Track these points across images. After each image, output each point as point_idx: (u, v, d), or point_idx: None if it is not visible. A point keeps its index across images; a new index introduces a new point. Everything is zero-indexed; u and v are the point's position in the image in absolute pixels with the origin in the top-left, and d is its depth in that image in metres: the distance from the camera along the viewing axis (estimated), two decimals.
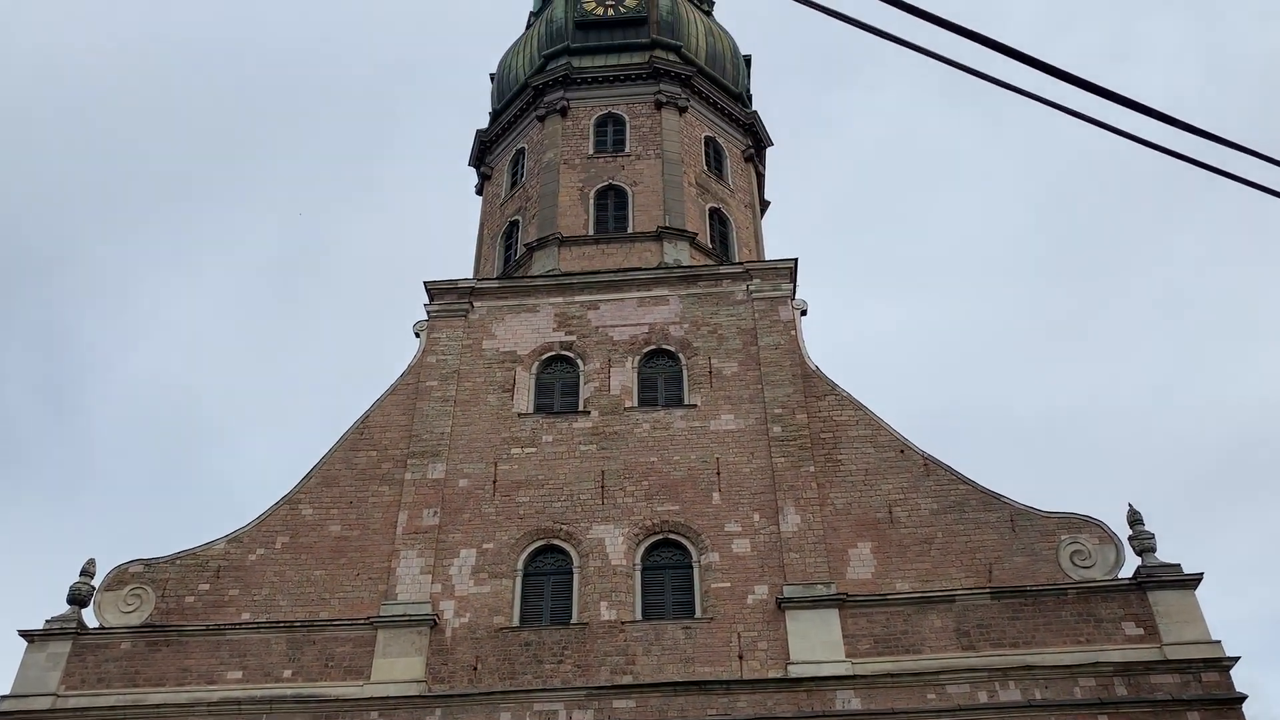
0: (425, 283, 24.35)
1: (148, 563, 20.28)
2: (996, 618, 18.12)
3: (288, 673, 18.53)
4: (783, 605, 18.59)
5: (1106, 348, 66.36)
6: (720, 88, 30.70)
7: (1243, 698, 16.70)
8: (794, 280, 23.91)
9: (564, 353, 23.12)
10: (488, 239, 28.86)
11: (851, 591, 18.71)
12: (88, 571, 20.03)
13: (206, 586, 19.91)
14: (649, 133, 28.45)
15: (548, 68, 30.25)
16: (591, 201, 27.03)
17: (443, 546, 20.09)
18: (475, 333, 23.62)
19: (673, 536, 20.00)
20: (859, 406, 21.48)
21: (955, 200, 75.89)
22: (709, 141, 29.48)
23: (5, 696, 18.44)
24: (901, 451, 20.67)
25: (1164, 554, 18.57)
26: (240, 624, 19.21)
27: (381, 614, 19.09)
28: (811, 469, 20.42)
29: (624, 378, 22.45)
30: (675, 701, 17.50)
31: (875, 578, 18.97)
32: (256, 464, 63.59)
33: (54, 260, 73.15)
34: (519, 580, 19.72)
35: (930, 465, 20.41)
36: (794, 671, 17.76)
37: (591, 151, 28.24)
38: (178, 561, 20.30)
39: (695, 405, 21.79)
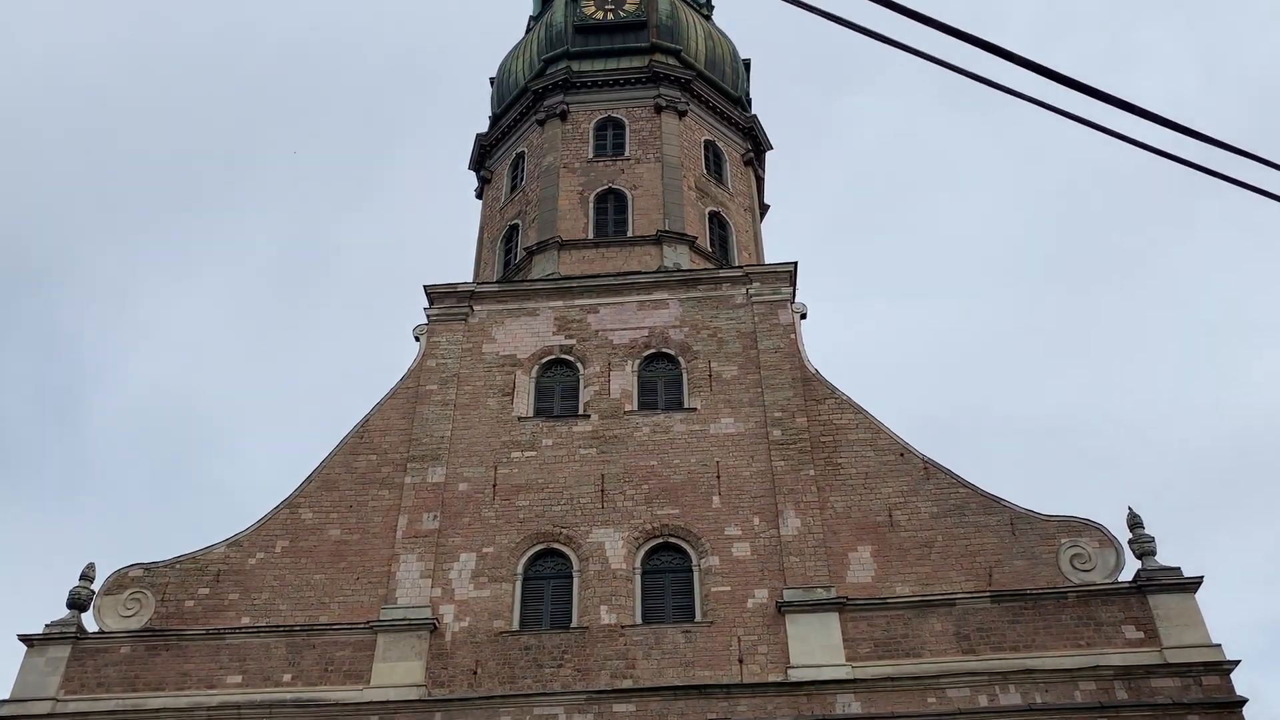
0: (425, 286, 24.37)
1: (147, 567, 20.27)
2: (997, 621, 18.11)
3: (287, 677, 18.52)
4: (783, 609, 18.58)
5: (1106, 351, 66.43)
6: (720, 92, 30.73)
7: (1243, 701, 16.69)
8: (794, 284, 23.92)
9: (564, 356, 23.13)
10: (487, 242, 28.87)
11: (852, 595, 18.70)
12: (87, 576, 20.02)
13: (206, 590, 19.90)
14: (649, 136, 28.48)
15: (547, 72, 30.29)
16: (591, 205, 27.05)
17: (442, 550, 20.08)
18: (475, 336, 23.63)
19: (673, 540, 19.99)
20: (859, 410, 21.48)
21: (955, 204, 75.99)
22: (709, 145, 29.50)
23: (4, 701, 18.41)
24: (901, 455, 20.67)
25: (1164, 557, 18.59)
26: (240, 628, 19.19)
27: (381, 618, 19.08)
28: (811, 472, 20.42)
29: (624, 381, 22.45)
30: (675, 705, 17.48)
31: (875, 581, 18.97)
32: (256, 468, 63.61)
33: (54, 264, 73.19)
34: (519, 584, 19.71)
35: (930, 469, 20.41)
36: (794, 675, 17.75)
37: (591, 155, 28.26)
38: (177, 566, 20.29)
39: (695, 409, 21.79)
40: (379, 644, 18.79)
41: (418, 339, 23.77)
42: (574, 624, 18.93)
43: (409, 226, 76.96)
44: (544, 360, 23.12)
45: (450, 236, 67.49)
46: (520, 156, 29.68)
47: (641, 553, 19.88)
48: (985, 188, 77.07)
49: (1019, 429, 62.16)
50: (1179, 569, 18.27)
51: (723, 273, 24.46)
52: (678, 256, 25.36)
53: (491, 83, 33.22)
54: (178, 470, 67.84)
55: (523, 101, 30.35)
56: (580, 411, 22.07)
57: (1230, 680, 16.96)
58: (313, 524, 20.72)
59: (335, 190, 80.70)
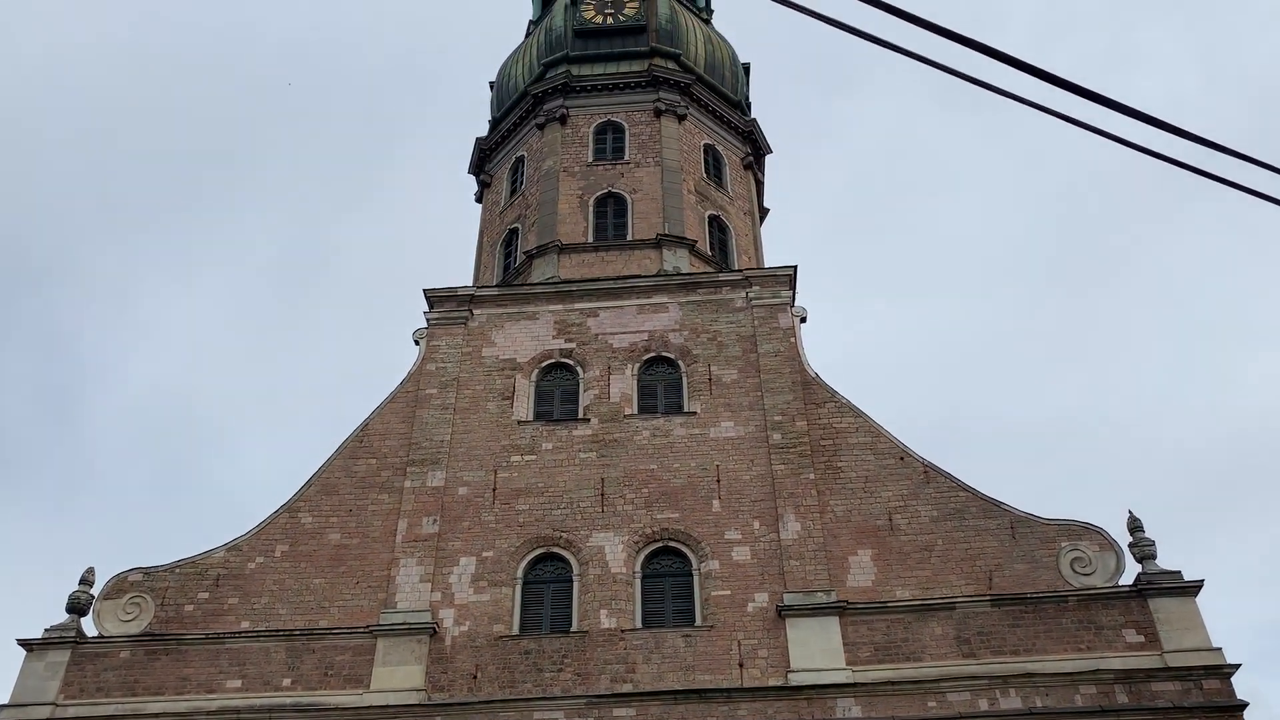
0: (425, 290, 24.38)
1: (147, 571, 20.26)
2: (997, 625, 18.09)
3: (287, 681, 18.49)
4: (783, 613, 18.56)
5: (1106, 354, 66.44)
6: (719, 95, 30.77)
7: (1244, 705, 16.67)
8: (793, 287, 23.93)
9: (564, 360, 23.13)
10: (487, 246, 28.88)
11: (852, 599, 18.68)
12: (87, 580, 20.00)
13: (206, 595, 19.88)
14: (648, 140, 28.50)
15: (547, 76, 30.32)
16: (591, 209, 27.06)
17: (442, 554, 20.07)
18: (475, 340, 23.63)
19: (673, 544, 19.98)
20: (859, 413, 21.48)
21: (954, 206, 76.05)
22: (708, 149, 29.52)
23: (4, 706, 18.39)
24: (901, 459, 20.66)
25: (1164, 561, 18.56)
26: (239, 632, 19.17)
27: (381, 622, 19.06)
28: (811, 476, 20.41)
29: (624, 385, 22.45)
30: (675, 710, 17.46)
31: (875, 585, 18.95)
32: (256, 472, 63.61)
33: (54, 265, 73.24)
34: (519, 588, 19.69)
35: (930, 472, 20.41)
36: (794, 679, 17.73)
37: (591, 159, 28.29)
38: (177, 570, 20.27)
39: (695, 412, 21.79)
40: (379, 648, 18.77)
41: (417, 342, 23.77)
42: (574, 628, 18.91)
43: (409, 230, 77.10)
44: (544, 364, 23.12)
45: (450, 240, 67.63)
46: (520, 160, 29.70)
47: (641, 556, 19.86)
48: (984, 189, 77.19)
49: (1019, 432, 62.20)
50: (1179, 572, 18.25)
51: (722, 276, 24.46)
52: (677, 260, 25.37)
53: (491, 86, 33.25)
54: (177, 473, 67.90)
55: (522, 105, 30.37)
56: (580, 415, 22.06)
57: (1231, 684, 16.94)
58: (312, 528, 20.72)
59: (335, 192, 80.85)
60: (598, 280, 24.51)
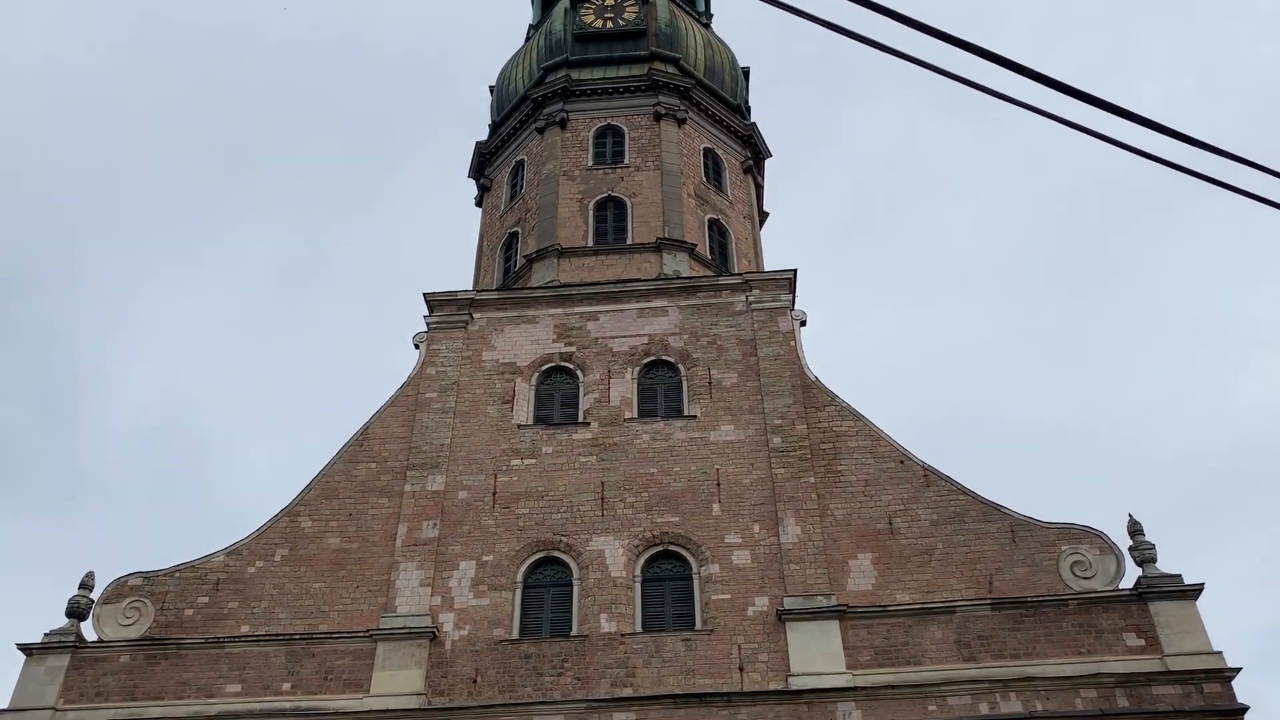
0: (425, 294, 24.39)
1: (147, 575, 20.24)
2: (997, 629, 18.08)
3: (287, 685, 18.47)
4: (783, 617, 18.55)
5: (1105, 356, 66.44)
6: (719, 100, 30.80)
7: (1245, 709, 16.66)
8: (793, 291, 23.94)
9: (563, 364, 23.13)
10: (487, 250, 28.89)
11: (852, 603, 18.67)
12: (86, 584, 19.98)
13: (205, 599, 19.86)
14: (648, 144, 28.53)
15: (547, 80, 30.35)
16: (591, 213, 27.08)
17: (442, 559, 20.05)
18: (475, 344, 23.64)
19: (673, 548, 19.97)
20: (858, 417, 21.48)
21: (953, 210, 76.09)
22: (708, 153, 29.55)
23: (4, 711, 18.38)
24: (901, 462, 20.66)
25: (1165, 564, 18.56)
26: (239, 637, 19.16)
27: (381, 626, 19.05)
28: (811, 480, 20.40)
29: (624, 389, 22.45)
30: (676, 714, 17.44)
31: (876, 589, 18.94)
32: (256, 476, 63.53)
33: (54, 271, 73.23)
34: (519, 592, 19.68)
35: (930, 476, 20.41)
36: (794, 683, 17.71)
37: (591, 163, 28.31)
38: (177, 574, 20.26)
39: (695, 416, 21.79)
40: (378, 652, 18.76)
41: (417, 346, 23.78)
42: (574, 632, 18.90)
43: (408, 233, 77.05)
44: (544, 368, 23.12)
45: (450, 244, 67.59)
46: (520, 164, 29.73)
47: (641, 560, 19.85)
48: (983, 193, 77.24)
49: (1018, 435, 62.20)
50: (1180, 576, 18.24)
51: (722, 280, 24.47)
52: (677, 264, 25.38)
53: (491, 91, 33.28)
54: (177, 477, 67.85)
55: (522, 109, 30.41)
56: (580, 419, 22.06)
57: (1232, 688, 16.93)
58: (312, 532, 20.71)
59: (335, 196, 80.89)
60: (597, 284, 24.53)
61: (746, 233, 28.82)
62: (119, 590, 20.03)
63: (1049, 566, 18.89)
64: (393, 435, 22.12)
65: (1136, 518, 19.28)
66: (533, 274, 25.79)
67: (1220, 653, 17.31)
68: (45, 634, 19.26)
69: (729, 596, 19.02)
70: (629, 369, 22.80)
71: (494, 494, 20.95)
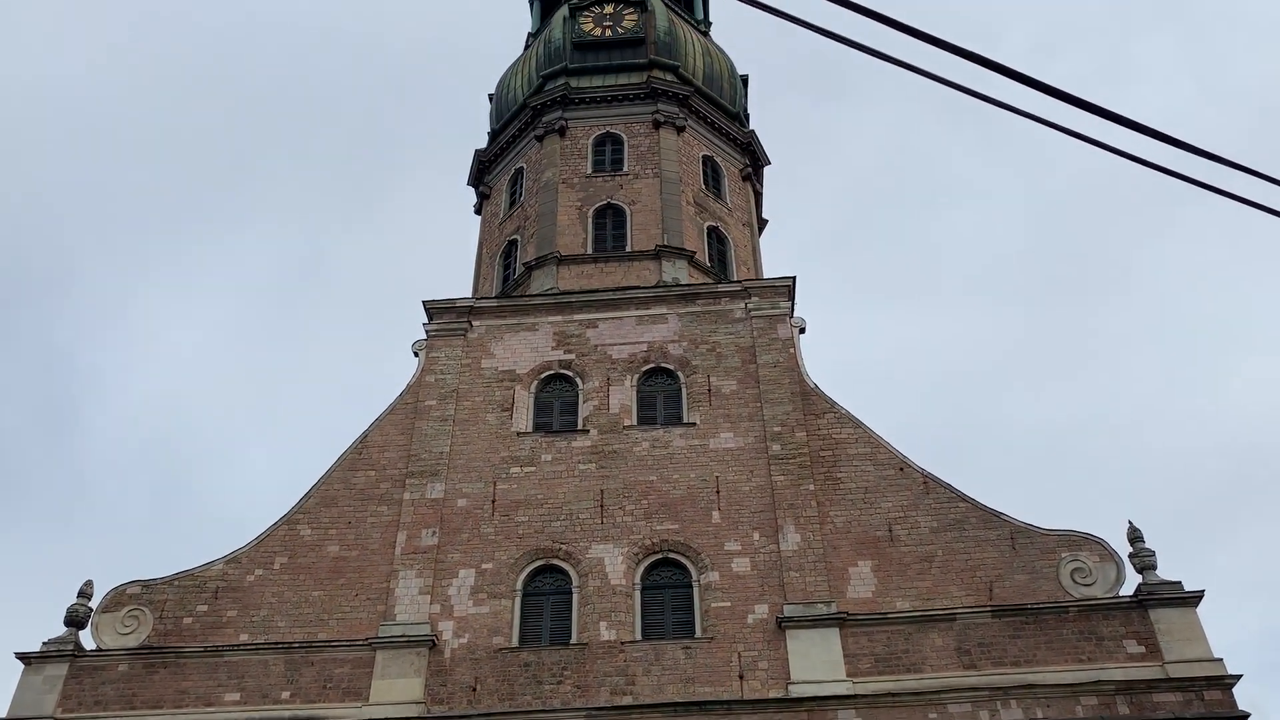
0: (424, 302, 24.39)
1: (145, 584, 20.20)
2: (997, 636, 18.05)
3: (286, 694, 18.43)
4: (783, 624, 18.52)
5: (1103, 363, 66.45)
6: (717, 107, 30.85)
7: (1246, 716, 16.63)
8: (792, 298, 23.94)
9: (563, 371, 23.12)
10: (486, 258, 28.91)
11: (852, 610, 18.64)
12: (85, 593, 19.94)
13: (204, 607, 19.82)
14: (647, 152, 28.57)
15: (546, 88, 30.40)
16: (590, 220, 27.10)
17: (441, 567, 20.02)
18: (474, 352, 23.63)
19: (672, 556, 19.94)
20: (858, 424, 21.47)
21: (952, 217, 76.18)
22: (707, 160, 29.58)
23: (2, 719, 18.33)
24: (901, 469, 20.64)
25: (1164, 571, 18.55)
26: (238, 645, 19.11)
27: (380, 635, 19.01)
28: (811, 487, 20.39)
29: (623, 396, 22.44)
30: None
31: (876, 596, 18.92)
32: (255, 484, 63.45)
33: (53, 281, 73.26)
34: (518, 600, 19.64)
35: (930, 483, 20.39)
36: (795, 691, 17.68)
37: (590, 171, 28.34)
38: (176, 582, 20.22)
39: (694, 424, 21.78)
40: (378, 661, 18.72)
41: (417, 354, 23.76)
42: (573, 640, 18.87)
43: (408, 241, 77.16)
44: (543, 375, 23.12)
45: (449, 252, 67.60)
46: (519, 172, 29.76)
47: (641, 568, 19.82)
48: (982, 199, 77.34)
49: (1018, 441, 62.19)
50: (1180, 583, 18.22)
51: (721, 287, 24.48)
52: (676, 271, 25.40)
53: (490, 99, 33.34)
54: (176, 486, 67.79)
55: (521, 117, 30.46)
56: (579, 426, 22.05)
57: (1232, 695, 16.91)
58: (311, 540, 20.67)
59: (334, 204, 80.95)
60: (597, 291, 24.53)
61: (745, 240, 28.84)
62: (117, 599, 19.99)
63: (1049, 574, 18.87)
64: (392, 443, 22.10)
65: (1136, 524, 19.30)
66: (532, 281, 25.80)
67: (1221, 660, 17.29)
68: (44, 643, 19.22)
69: (729, 604, 18.99)
70: (628, 376, 22.80)
71: (493, 502, 20.93)
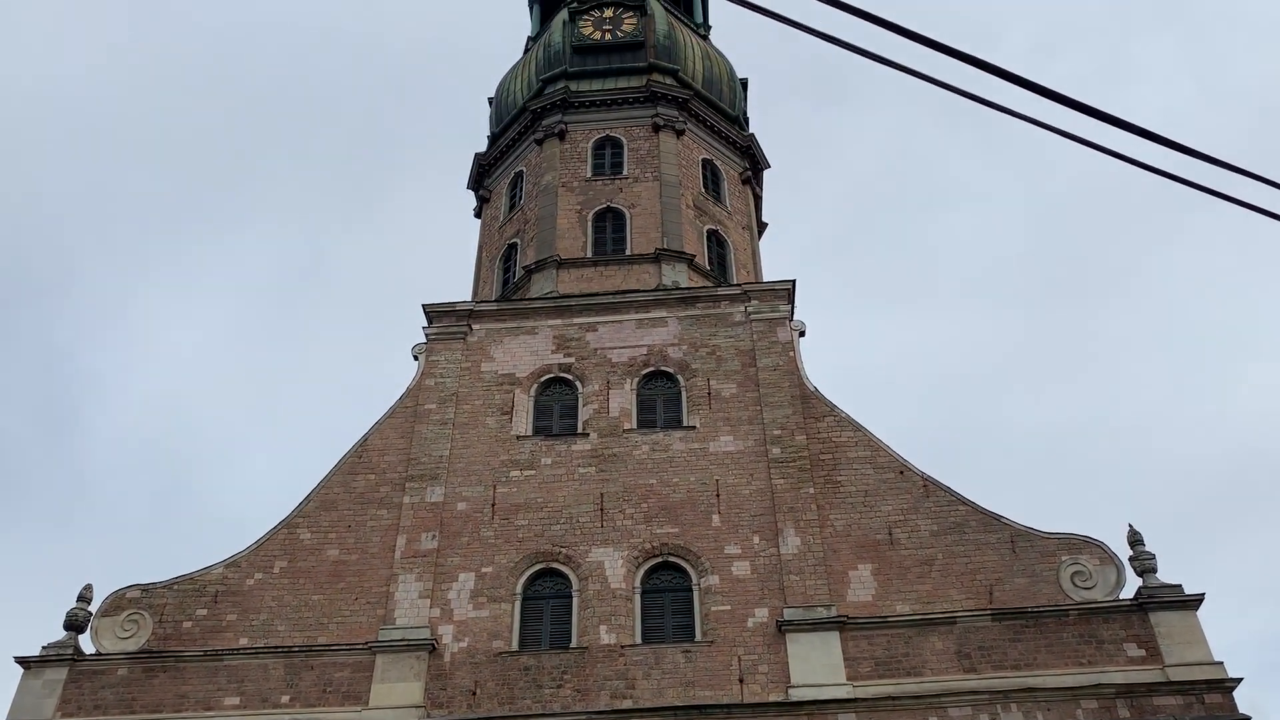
0: (423, 305, 24.39)
1: (145, 588, 20.18)
2: (998, 639, 18.04)
3: (285, 698, 18.41)
4: (783, 628, 18.50)
5: (1104, 366, 66.43)
6: (717, 111, 30.87)
7: (1246, 719, 16.61)
8: (792, 301, 23.95)
9: (562, 375, 23.12)
10: (486, 261, 28.91)
11: (852, 614, 18.63)
12: (85, 597, 19.92)
13: (204, 612, 19.80)
14: (647, 155, 28.58)
15: (545, 91, 30.42)
16: (589, 224, 27.11)
17: (441, 570, 20.00)
18: (474, 355, 23.62)
19: (672, 559, 19.93)
20: (858, 427, 21.46)
21: (952, 220, 76.22)
22: (706, 164, 29.60)
23: None
24: (901, 473, 20.63)
25: (1165, 574, 18.52)
26: (238, 649, 19.09)
27: (380, 639, 18.99)
28: (811, 490, 20.38)
29: (623, 399, 22.43)
30: None
31: (876, 600, 18.90)
32: (255, 488, 63.43)
33: (53, 282, 73.25)
34: (518, 604, 19.62)
35: (930, 486, 20.38)
36: (795, 695, 17.67)
37: (589, 174, 28.35)
38: (175, 586, 20.20)
39: (694, 427, 21.77)
40: (377, 665, 18.69)
41: (416, 358, 23.76)
42: (573, 644, 18.84)
43: (408, 245, 77.18)
44: (543, 379, 23.11)
45: (449, 255, 67.68)
46: (519, 176, 29.77)
47: (641, 572, 19.81)
48: (982, 201, 77.36)
49: (1018, 445, 62.17)
50: (1180, 586, 18.20)
51: (721, 291, 24.48)
52: (676, 275, 25.40)
53: (490, 102, 33.37)
54: (176, 489, 67.76)
55: (521, 121, 30.47)
56: (579, 430, 22.04)
57: (1233, 698, 16.88)
58: (311, 544, 20.66)
59: (334, 207, 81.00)
60: (596, 295, 24.53)
61: (745, 243, 28.85)
62: (117, 603, 19.97)
63: (1049, 577, 18.85)
64: (391, 447, 22.09)
65: (1136, 528, 19.27)
66: (531, 285, 25.80)
67: (1221, 663, 17.26)
68: (43, 647, 19.20)
69: (729, 608, 18.97)
70: (628, 380, 22.79)
71: (493, 505, 20.91)
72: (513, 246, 28.14)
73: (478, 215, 31.39)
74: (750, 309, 23.70)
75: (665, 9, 32.76)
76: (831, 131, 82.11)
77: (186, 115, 77.53)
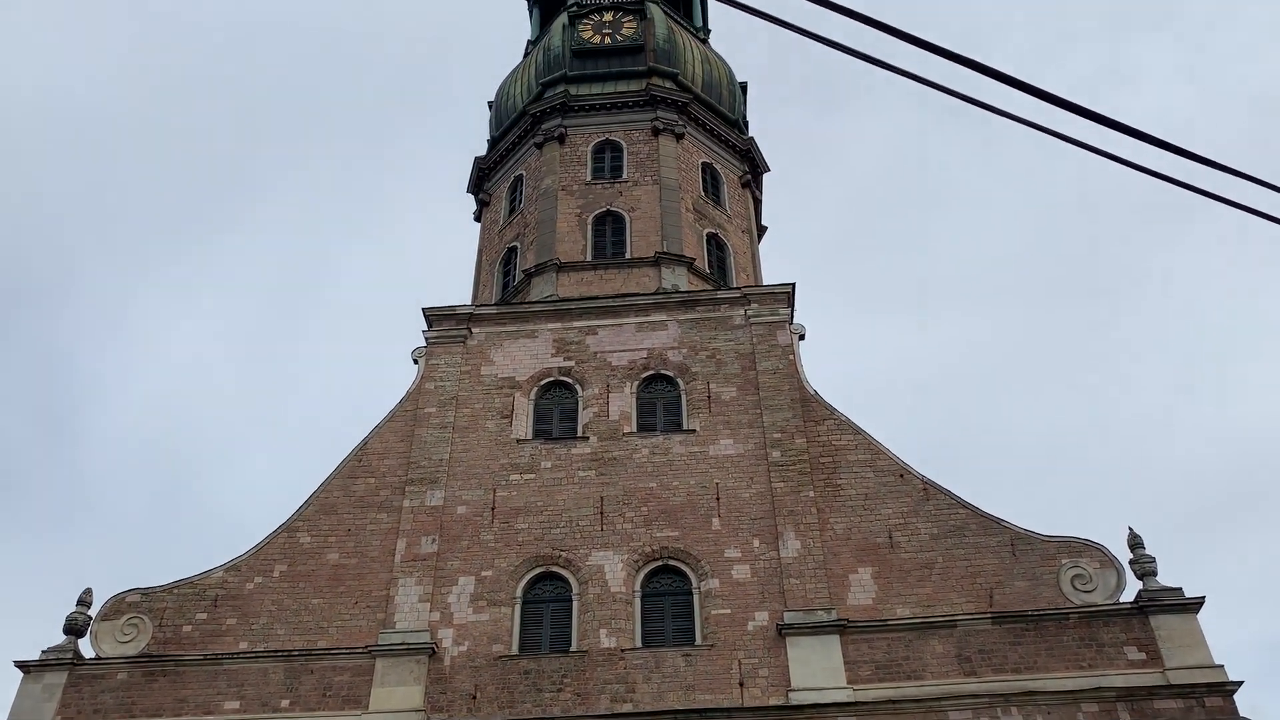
0: (423, 309, 24.40)
1: (145, 592, 20.17)
2: (998, 643, 18.03)
3: (285, 702, 18.39)
4: (783, 632, 18.49)
5: (1104, 369, 66.45)
6: (717, 114, 30.90)
7: None
8: (791, 305, 23.96)
9: (562, 378, 23.12)
10: (486, 265, 28.93)
11: (852, 617, 18.62)
12: (84, 601, 19.92)
13: (204, 615, 19.79)
14: (646, 159, 28.60)
15: (545, 95, 30.45)
16: (589, 227, 27.13)
17: (441, 574, 20.00)
18: (474, 359, 23.63)
19: (672, 563, 19.92)
20: (858, 431, 21.47)
21: (953, 223, 76.27)
22: (706, 167, 29.62)
23: None
24: (901, 476, 20.63)
25: (1165, 577, 18.50)
26: (238, 653, 19.08)
27: (380, 643, 18.98)
28: (811, 494, 20.37)
29: (623, 403, 22.44)
30: None
31: (876, 603, 18.89)
32: (254, 491, 63.40)
33: (52, 286, 73.29)
34: (518, 608, 19.61)
35: (930, 490, 20.38)
36: (795, 699, 17.65)
37: (589, 178, 28.38)
38: (175, 590, 20.19)
39: (694, 430, 21.77)
40: (377, 668, 18.68)
41: (416, 361, 23.77)
42: (573, 648, 18.83)
43: (408, 248, 77.16)
44: (542, 382, 23.11)
45: (449, 259, 67.68)
46: (518, 179, 29.80)
47: (641, 575, 19.80)
48: (982, 205, 77.39)
49: (1018, 448, 62.17)
50: (1180, 589, 18.19)
51: (721, 294, 24.49)
52: (676, 278, 25.41)
53: (490, 106, 33.39)
54: (175, 493, 67.70)
55: (521, 125, 30.50)
56: (579, 433, 22.03)
57: (1234, 701, 16.86)
58: (311, 548, 20.65)
59: (334, 210, 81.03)
60: (596, 298, 24.55)
61: (745, 247, 28.87)
62: (117, 607, 19.96)
63: (1049, 580, 18.85)
64: (391, 450, 22.09)
65: (1137, 531, 19.26)
66: (531, 288, 25.81)
67: (1222, 666, 17.25)
68: (42, 651, 19.18)
69: (729, 611, 18.96)
70: (628, 383, 22.80)
71: (493, 509, 20.91)
72: (512, 250, 28.16)
73: (477, 219, 31.41)
74: (750, 312, 23.71)
75: (665, 12, 32.80)
76: (831, 135, 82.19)
77: (187, 118, 77.63)
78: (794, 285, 24.09)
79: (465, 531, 20.62)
